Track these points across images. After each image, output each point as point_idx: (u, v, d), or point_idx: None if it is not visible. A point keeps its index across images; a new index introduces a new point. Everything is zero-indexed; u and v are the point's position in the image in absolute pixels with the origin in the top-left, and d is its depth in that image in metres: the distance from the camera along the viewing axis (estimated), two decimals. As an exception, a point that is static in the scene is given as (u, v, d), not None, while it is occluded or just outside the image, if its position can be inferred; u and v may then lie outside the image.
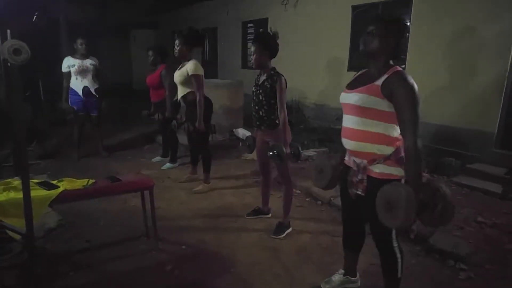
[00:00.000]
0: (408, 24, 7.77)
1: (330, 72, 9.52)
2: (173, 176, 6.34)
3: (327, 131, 8.48)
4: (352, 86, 2.77)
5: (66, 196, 3.46)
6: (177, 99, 5.84)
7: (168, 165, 6.86)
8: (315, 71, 10.02)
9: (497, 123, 6.26)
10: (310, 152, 7.42)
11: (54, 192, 3.39)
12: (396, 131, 2.63)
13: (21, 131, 2.97)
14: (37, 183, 3.51)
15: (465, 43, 6.63)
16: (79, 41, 6.99)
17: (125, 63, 18.29)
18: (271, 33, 4.20)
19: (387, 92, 2.52)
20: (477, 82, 6.48)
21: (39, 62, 8.49)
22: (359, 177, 2.74)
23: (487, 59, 6.33)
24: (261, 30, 4.25)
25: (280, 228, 4.38)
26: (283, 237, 4.30)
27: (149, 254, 3.94)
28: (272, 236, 4.34)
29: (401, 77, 2.52)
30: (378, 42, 2.61)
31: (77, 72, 6.98)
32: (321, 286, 3.39)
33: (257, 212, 4.85)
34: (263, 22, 11.92)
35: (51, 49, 12.03)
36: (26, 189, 2.88)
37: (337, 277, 3.39)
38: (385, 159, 2.63)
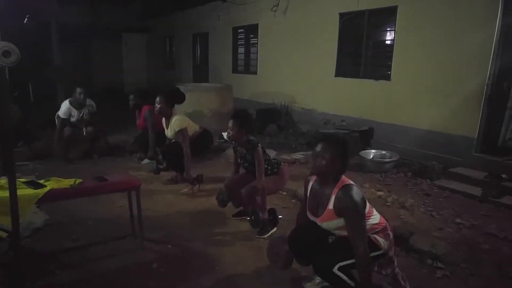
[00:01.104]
0: (388, 32, 7.92)
1: (318, 77, 9.62)
2: (161, 178, 6.40)
3: (315, 135, 8.56)
4: (313, 208, 3.09)
5: (53, 195, 3.51)
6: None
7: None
8: (303, 76, 10.12)
9: (477, 129, 6.39)
10: (298, 155, 7.52)
11: (40, 191, 3.43)
12: (375, 219, 2.98)
13: (8, 131, 3.02)
14: (24, 182, 3.55)
15: (448, 52, 6.76)
16: (78, 90, 7.21)
17: (116, 67, 18.28)
18: (248, 113, 4.62)
19: (338, 213, 2.85)
20: (459, 89, 6.61)
21: (29, 64, 8.52)
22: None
23: (468, 67, 6.47)
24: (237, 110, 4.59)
25: (264, 228, 4.47)
26: (267, 236, 4.39)
27: (135, 253, 4.00)
28: (257, 236, 4.43)
29: (345, 196, 2.82)
30: (325, 165, 2.88)
31: (75, 123, 7.29)
32: (303, 284, 3.47)
33: (242, 213, 4.92)
34: (254, 28, 12.01)
35: (41, 52, 12.06)
36: (12, 188, 2.92)
37: (317, 276, 3.47)
38: (373, 233, 2.94)
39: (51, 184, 3.62)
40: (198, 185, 5.87)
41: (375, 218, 2.98)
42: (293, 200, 5.55)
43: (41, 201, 3.46)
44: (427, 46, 7.13)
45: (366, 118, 8.29)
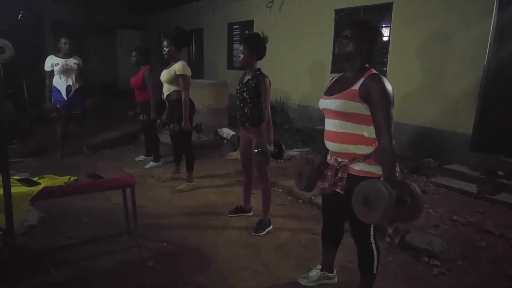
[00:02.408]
0: (383, 29, 7.90)
1: (314, 74, 9.62)
2: (157, 175, 6.39)
3: (310, 132, 8.56)
4: (330, 91, 2.86)
5: (47, 193, 3.49)
6: (163, 99, 5.89)
7: (151, 164, 6.91)
8: (299, 73, 10.11)
9: (472, 125, 6.40)
10: (294, 152, 7.51)
11: (35, 189, 3.41)
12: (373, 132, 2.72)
13: (3, 127, 3.00)
14: (18, 180, 3.53)
15: (444, 48, 6.76)
16: (63, 40, 7.02)
17: (110, 64, 18.20)
18: (261, 36, 4.33)
19: (364, 96, 2.61)
20: (454, 85, 6.62)
21: (23, 61, 8.47)
22: (339, 175, 2.83)
23: (463, 64, 6.47)
24: (247, 32, 4.40)
25: (261, 225, 4.45)
26: (264, 234, 4.38)
27: (130, 251, 3.98)
28: (253, 233, 4.41)
29: (376, 80, 2.61)
30: (352, 46, 2.71)
31: (60, 71, 7.01)
32: (299, 281, 3.46)
33: (238, 210, 4.92)
34: (249, 24, 11.98)
35: (35, 48, 11.99)
36: (6, 185, 2.91)
37: (314, 273, 3.46)
38: (365, 158, 2.71)
39: (45, 181, 3.60)
40: (198, 132, 5.74)
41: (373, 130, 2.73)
42: (289, 198, 5.55)
43: (35, 199, 3.44)
44: (422, 43, 7.13)
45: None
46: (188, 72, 5.50)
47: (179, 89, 5.51)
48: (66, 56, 7.07)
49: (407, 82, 7.44)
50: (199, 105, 8.75)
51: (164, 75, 5.64)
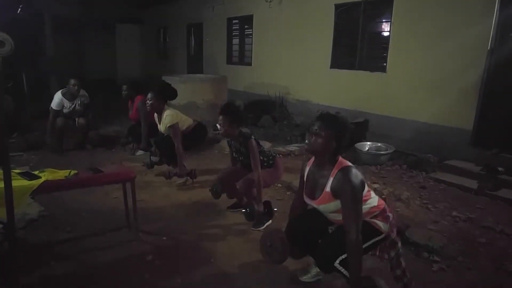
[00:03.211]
0: (383, 24, 7.91)
1: (313, 69, 9.61)
2: (156, 169, 6.37)
3: (309, 127, 8.54)
4: (310, 191, 2.99)
5: (48, 187, 3.48)
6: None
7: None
8: (298, 67, 10.10)
9: (473, 122, 6.39)
10: (293, 147, 7.52)
11: (35, 182, 3.40)
12: (373, 201, 2.90)
13: (3, 121, 2.98)
14: (18, 173, 3.52)
15: (444, 44, 6.75)
16: (72, 81, 7.12)
17: (110, 58, 18.17)
18: (236, 104, 4.59)
19: (336, 195, 2.76)
20: (455, 81, 6.61)
21: (22, 55, 8.44)
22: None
23: (464, 60, 6.47)
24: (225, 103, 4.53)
25: (260, 220, 4.45)
26: (263, 229, 4.37)
27: (130, 245, 3.97)
28: (252, 228, 4.41)
29: (342, 177, 2.73)
30: (320, 142, 2.77)
31: (67, 114, 7.21)
32: (298, 276, 3.46)
33: (238, 205, 4.91)
34: (248, 19, 11.97)
35: (35, 42, 11.96)
36: (7, 179, 2.90)
37: (313, 268, 3.46)
38: (372, 217, 2.87)
39: (46, 175, 3.59)
40: (192, 179, 5.84)
41: (372, 200, 2.91)
42: (288, 192, 5.54)
43: (36, 193, 3.43)
44: (423, 38, 7.12)
45: (361, 110, 8.28)
46: (176, 120, 5.60)
47: (182, 130, 5.70)
48: (74, 97, 7.20)
49: (407, 78, 7.44)
50: (199, 100, 8.78)
51: (163, 130, 5.78)
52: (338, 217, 2.82)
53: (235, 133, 4.38)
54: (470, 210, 4.92)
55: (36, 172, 3.66)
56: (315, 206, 2.97)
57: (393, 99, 7.76)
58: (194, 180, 5.87)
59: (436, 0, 6.89)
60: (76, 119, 7.27)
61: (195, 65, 15.24)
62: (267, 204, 4.55)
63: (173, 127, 5.53)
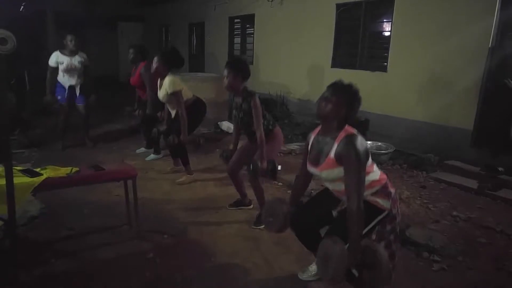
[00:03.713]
0: (384, 24, 7.90)
1: (314, 68, 9.60)
2: (157, 167, 6.38)
3: (310, 126, 8.54)
4: (314, 159, 2.93)
5: (49, 184, 3.48)
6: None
7: (152, 156, 6.90)
8: (300, 67, 10.09)
9: (473, 121, 6.39)
10: (294, 146, 7.53)
11: (37, 180, 3.40)
12: (374, 175, 2.84)
13: (4, 118, 2.99)
14: (20, 171, 3.52)
15: (445, 44, 6.75)
16: (69, 37, 6.99)
17: (112, 56, 18.18)
18: (243, 58, 4.44)
19: (340, 161, 2.70)
20: (455, 81, 6.62)
21: (25, 52, 8.46)
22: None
23: (465, 59, 6.47)
24: (232, 57, 4.42)
25: (260, 218, 4.45)
26: (264, 227, 4.37)
27: (131, 243, 3.98)
28: (253, 226, 4.42)
29: (348, 144, 2.68)
30: (330, 108, 2.75)
31: (65, 70, 7.01)
32: (299, 275, 3.47)
33: (238, 203, 4.92)
34: (250, 18, 11.96)
35: (37, 40, 11.98)
36: (9, 176, 2.90)
37: (314, 267, 3.46)
38: (373, 194, 2.82)
39: (47, 172, 3.60)
40: (197, 148, 5.75)
41: (375, 174, 2.85)
42: (289, 191, 5.53)
43: (37, 190, 3.43)
44: (424, 38, 7.12)
45: (361, 109, 8.14)
46: (178, 86, 5.52)
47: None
48: (72, 53, 7.04)
49: (408, 77, 7.44)
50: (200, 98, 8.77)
51: (161, 96, 5.70)
52: (341, 186, 2.76)
53: (239, 87, 4.30)
54: (471, 210, 4.93)
55: (37, 169, 3.66)
56: (317, 173, 2.90)
57: (393, 99, 7.77)
58: (200, 145, 5.98)
59: (437, 0, 6.89)
60: (77, 84, 7.15)
61: (197, 63, 15.23)
62: (271, 162, 4.32)
63: (175, 94, 5.45)
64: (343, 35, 9.01)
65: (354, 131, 2.78)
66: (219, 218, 4.69)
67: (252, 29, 12.04)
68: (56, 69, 7.01)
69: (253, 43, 12.06)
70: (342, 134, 2.74)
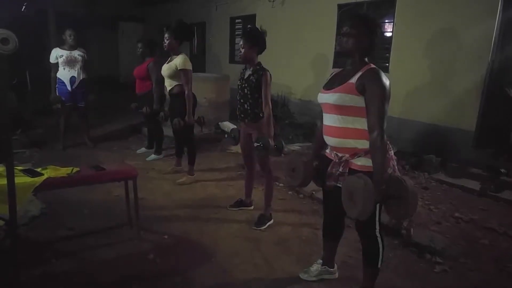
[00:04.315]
0: (386, 24, 7.88)
1: (316, 69, 9.59)
2: (158, 167, 6.38)
3: (312, 127, 8.55)
4: (329, 85, 2.85)
5: (50, 184, 3.47)
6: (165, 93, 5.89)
7: (153, 156, 6.90)
8: (301, 67, 10.08)
9: (475, 123, 6.37)
10: (295, 147, 7.51)
11: (38, 179, 3.40)
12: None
13: (6, 118, 2.98)
14: (21, 170, 3.52)
15: (447, 45, 6.73)
16: (68, 32, 7.02)
17: (112, 56, 18.17)
18: (260, 30, 4.29)
19: (360, 88, 2.62)
20: (458, 82, 6.59)
21: (26, 52, 8.46)
22: (341, 169, 2.81)
23: (467, 61, 6.45)
24: (249, 26, 4.26)
25: (262, 220, 4.44)
26: (264, 228, 4.37)
27: (131, 243, 3.98)
28: (254, 227, 4.41)
29: (373, 74, 2.61)
30: (351, 41, 2.71)
31: (65, 63, 7.01)
32: (300, 275, 3.46)
33: (239, 204, 4.91)
34: (251, 18, 11.94)
35: (39, 39, 11.98)
36: (10, 176, 2.90)
37: (315, 267, 3.45)
38: (366, 152, 2.69)
39: (48, 172, 3.59)
40: (201, 127, 5.77)
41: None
42: (290, 192, 5.54)
43: (38, 190, 3.43)
44: (426, 39, 7.10)
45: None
46: (189, 66, 5.50)
47: (181, 83, 5.52)
48: (71, 48, 7.07)
49: (410, 78, 7.41)
50: (201, 98, 8.77)
51: (165, 69, 5.65)
52: (346, 120, 2.71)
53: (253, 58, 4.27)
54: (473, 211, 4.91)
55: (38, 169, 3.65)
56: (327, 97, 2.81)
57: (395, 100, 7.69)
58: (204, 123, 5.96)
59: (439, 1, 6.88)
60: (77, 76, 7.14)
61: (198, 64, 15.18)
62: (277, 138, 4.31)
63: (185, 71, 5.43)
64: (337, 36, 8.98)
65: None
66: (219, 218, 4.68)
67: (254, 29, 11.99)
68: (57, 65, 7.04)
69: (254, 43, 11.99)
70: (366, 67, 2.68)
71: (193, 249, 3.96)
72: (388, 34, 7.99)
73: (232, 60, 13.27)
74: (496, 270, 3.68)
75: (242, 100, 4.36)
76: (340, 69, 2.95)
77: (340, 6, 8.80)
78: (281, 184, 5.72)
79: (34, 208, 4.41)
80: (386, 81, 2.59)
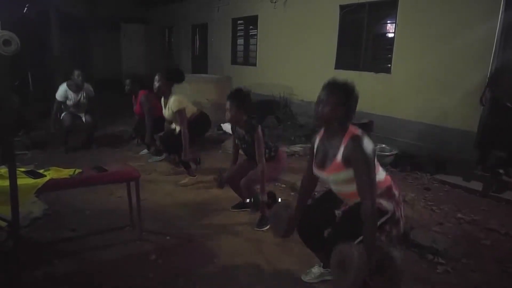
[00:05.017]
0: (388, 26, 7.89)
1: (318, 69, 9.58)
2: (160, 168, 6.39)
3: (314, 128, 8.54)
4: (320, 163, 2.91)
5: (53, 185, 3.49)
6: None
7: (155, 158, 6.91)
8: (303, 68, 10.08)
9: (478, 123, 6.36)
10: (297, 148, 7.52)
11: (40, 181, 3.41)
12: (379, 176, 2.79)
13: (9, 120, 2.99)
14: (23, 172, 3.53)
15: (449, 45, 6.73)
16: (76, 72, 7.17)
17: (115, 57, 18.20)
18: (245, 90, 4.42)
19: (347, 162, 2.67)
20: (460, 83, 6.59)
21: (28, 53, 8.49)
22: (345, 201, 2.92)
23: (469, 61, 6.45)
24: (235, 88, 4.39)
25: (263, 220, 4.44)
26: (267, 229, 4.36)
27: (133, 244, 3.98)
28: (256, 228, 4.41)
29: (355, 145, 2.64)
30: (327, 110, 2.72)
31: (71, 107, 7.22)
32: (302, 277, 3.46)
33: (241, 205, 4.90)
34: (253, 20, 11.96)
35: (41, 41, 11.99)
36: (12, 177, 2.90)
37: (316, 269, 3.46)
38: (376, 195, 2.73)
39: (50, 174, 3.60)
40: (196, 166, 5.90)
41: (379, 175, 2.81)
42: (292, 193, 5.53)
43: (41, 191, 3.44)
44: (428, 40, 7.10)
45: (365, 111, 8.23)
46: (182, 105, 5.58)
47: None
48: (79, 89, 7.22)
49: (412, 79, 7.42)
50: (203, 100, 8.79)
51: (167, 115, 5.81)
52: (347, 188, 2.77)
53: (241, 119, 4.33)
54: (475, 212, 4.91)
55: (41, 171, 3.67)
56: (324, 177, 2.89)
57: (397, 100, 7.75)
58: (199, 165, 5.97)
59: (441, 2, 6.87)
60: (83, 117, 7.31)
61: (200, 65, 15.25)
62: (271, 195, 4.46)
63: (179, 111, 5.51)
64: (347, 37, 8.99)
65: (359, 131, 2.73)
66: (222, 219, 4.69)
67: (256, 30, 12.03)
68: (62, 103, 7.21)
69: (256, 44, 12.04)
70: (347, 136, 2.70)
71: (195, 250, 3.96)
72: (390, 35, 8.00)
73: (234, 61, 13.29)
74: (498, 271, 3.67)
75: (246, 154, 4.58)
76: (322, 131, 2.98)
77: (342, 7, 8.82)
78: (283, 185, 5.72)
79: (37, 209, 4.41)
80: (369, 146, 2.63)
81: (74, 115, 7.27)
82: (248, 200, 4.42)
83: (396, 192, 2.86)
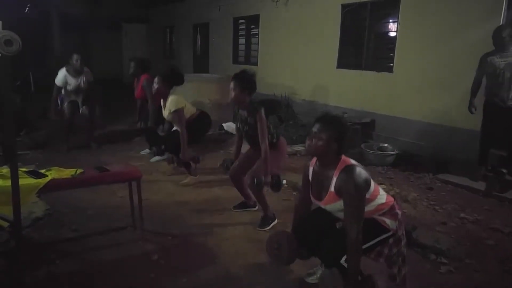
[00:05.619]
0: (390, 24, 7.87)
1: (320, 69, 9.58)
2: (162, 168, 6.38)
3: (309, 130, 8.53)
4: (316, 193, 2.97)
5: (54, 185, 3.48)
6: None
7: (156, 158, 6.90)
8: (305, 67, 10.07)
9: (480, 123, 6.33)
10: (299, 147, 7.51)
11: (42, 181, 3.41)
12: (381, 199, 2.85)
13: (10, 120, 2.99)
14: (25, 172, 3.53)
15: (451, 44, 6.71)
16: (75, 57, 7.12)
17: (116, 57, 18.22)
18: (250, 72, 4.44)
19: (340, 193, 2.74)
20: (462, 82, 6.53)
21: (30, 53, 8.50)
22: None
23: (472, 60, 6.39)
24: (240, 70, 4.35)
25: (265, 220, 4.43)
26: (269, 229, 4.35)
27: (135, 244, 3.97)
28: (258, 228, 4.40)
29: (346, 177, 2.71)
30: (320, 144, 2.76)
31: (71, 91, 7.18)
32: (305, 278, 3.44)
33: (243, 205, 4.90)
34: (255, 19, 11.95)
35: (42, 41, 12.01)
36: (14, 178, 2.90)
37: (320, 269, 3.44)
38: (380, 215, 2.83)
39: (52, 174, 3.60)
40: (195, 165, 5.86)
41: (381, 198, 2.86)
42: (294, 193, 5.51)
43: (42, 191, 3.44)
44: (430, 39, 7.08)
45: (367, 110, 8.26)
46: (180, 105, 5.55)
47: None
48: (78, 73, 7.16)
49: (414, 78, 7.40)
50: (205, 99, 8.79)
51: (166, 115, 5.76)
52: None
53: (245, 100, 4.32)
54: (478, 211, 4.90)
55: (42, 171, 3.66)
56: (322, 206, 2.95)
57: (400, 100, 7.73)
58: (197, 165, 5.93)
59: (442, 1, 6.85)
60: (80, 108, 7.29)
61: (201, 64, 15.24)
62: (276, 177, 4.36)
63: (177, 112, 5.49)
64: (349, 36, 8.98)
65: (351, 161, 2.80)
66: (223, 219, 4.67)
67: (257, 29, 12.02)
68: (61, 89, 7.17)
69: (258, 43, 12.04)
70: (339, 167, 2.77)
71: (197, 250, 3.95)
72: (392, 34, 7.98)
73: (235, 60, 13.28)
74: (501, 271, 3.66)
75: (250, 140, 4.49)
76: (314, 159, 3.02)
77: (343, 6, 8.81)
78: (285, 185, 5.70)
79: (38, 209, 4.40)
80: (361, 176, 2.68)
81: (74, 105, 7.26)
82: (251, 182, 4.28)
83: (399, 212, 2.92)
